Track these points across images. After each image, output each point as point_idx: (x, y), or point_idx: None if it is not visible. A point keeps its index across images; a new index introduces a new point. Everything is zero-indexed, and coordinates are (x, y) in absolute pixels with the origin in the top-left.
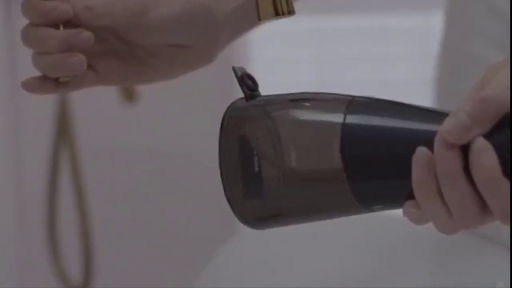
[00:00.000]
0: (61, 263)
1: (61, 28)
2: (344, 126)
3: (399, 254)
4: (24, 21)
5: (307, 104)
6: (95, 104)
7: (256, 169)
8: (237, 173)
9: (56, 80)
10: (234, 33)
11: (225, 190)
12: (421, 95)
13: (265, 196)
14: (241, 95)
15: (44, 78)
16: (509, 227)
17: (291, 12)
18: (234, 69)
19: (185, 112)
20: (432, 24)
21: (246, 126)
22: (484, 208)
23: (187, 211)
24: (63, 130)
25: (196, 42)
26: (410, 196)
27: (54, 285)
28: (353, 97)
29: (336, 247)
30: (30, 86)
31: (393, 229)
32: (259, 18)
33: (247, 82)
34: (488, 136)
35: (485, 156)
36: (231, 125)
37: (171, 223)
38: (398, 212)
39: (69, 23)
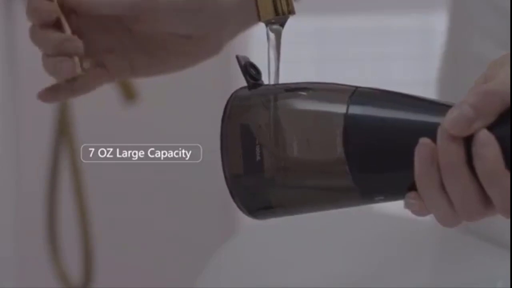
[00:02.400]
0: (61, 263)
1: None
2: (347, 116)
3: (399, 254)
4: (24, 21)
5: (310, 94)
6: (95, 104)
7: (258, 158)
8: (238, 162)
9: (67, 82)
10: (241, 24)
11: (226, 180)
12: (421, 95)
13: (267, 185)
14: None
15: (56, 87)
16: (508, 227)
17: (291, 12)
18: (237, 58)
19: (185, 112)
20: (432, 24)
21: (249, 115)
22: (486, 200)
23: (187, 211)
24: (63, 130)
25: (203, 32)
26: (412, 187)
27: (54, 285)
28: (356, 87)
29: (336, 246)
30: (45, 96)
31: (394, 229)
32: (259, 18)
33: (250, 71)
34: (491, 128)
35: (488, 148)
36: (233, 114)
37: (171, 223)
38: (398, 211)
39: (75, 13)
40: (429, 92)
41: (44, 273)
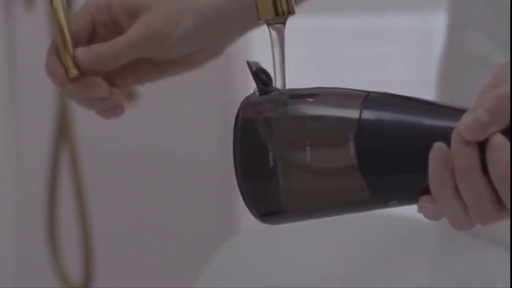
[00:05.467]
0: (61, 263)
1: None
2: (360, 121)
3: (400, 254)
4: (24, 21)
5: (322, 99)
6: None
7: (271, 163)
8: (251, 168)
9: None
10: (245, 27)
11: (239, 185)
12: (421, 95)
13: (279, 191)
14: (240, 94)
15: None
16: (508, 227)
17: (291, 12)
18: (248, 64)
19: (185, 112)
20: (432, 24)
21: (261, 121)
22: (500, 204)
23: (187, 211)
24: (63, 130)
25: (210, 43)
26: (425, 191)
27: (54, 285)
28: (369, 92)
29: (337, 247)
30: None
31: (394, 229)
32: (259, 18)
33: (261, 77)
34: (505, 132)
35: (502, 152)
36: (245, 120)
37: (171, 223)
38: (399, 211)
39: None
40: (428, 92)
41: (44, 273)
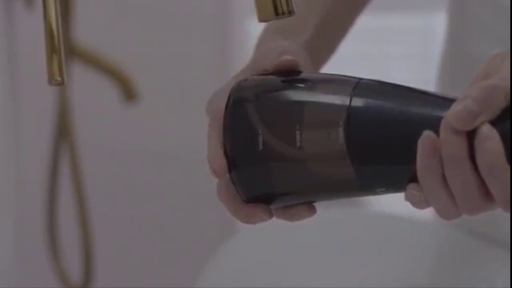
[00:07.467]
0: (61, 263)
1: None
2: (350, 108)
3: (399, 254)
4: (24, 21)
5: (314, 85)
6: (95, 104)
7: (261, 147)
8: (241, 151)
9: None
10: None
11: (229, 170)
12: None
13: (268, 175)
14: None
15: None
16: (509, 227)
17: (291, 12)
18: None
19: (185, 112)
20: (432, 24)
21: (251, 105)
22: (487, 194)
23: (186, 211)
24: (63, 130)
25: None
26: (413, 180)
27: (54, 285)
28: (360, 79)
29: (336, 247)
30: None
31: (394, 229)
32: (258, 19)
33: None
34: (494, 123)
35: (490, 142)
36: (235, 104)
37: (171, 223)
38: (398, 211)
39: None
40: None
41: (44, 273)
